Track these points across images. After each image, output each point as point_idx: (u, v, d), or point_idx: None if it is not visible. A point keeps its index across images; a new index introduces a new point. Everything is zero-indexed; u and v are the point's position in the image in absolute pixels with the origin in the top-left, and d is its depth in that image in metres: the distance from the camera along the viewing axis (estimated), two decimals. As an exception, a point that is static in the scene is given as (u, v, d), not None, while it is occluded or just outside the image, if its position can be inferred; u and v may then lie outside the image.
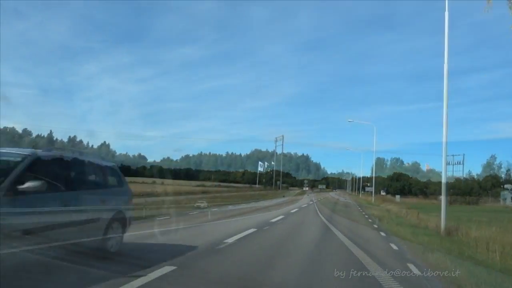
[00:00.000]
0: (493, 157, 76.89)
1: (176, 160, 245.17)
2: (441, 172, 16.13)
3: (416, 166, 79.44)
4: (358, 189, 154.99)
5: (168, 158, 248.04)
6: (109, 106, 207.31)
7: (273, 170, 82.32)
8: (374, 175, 48.08)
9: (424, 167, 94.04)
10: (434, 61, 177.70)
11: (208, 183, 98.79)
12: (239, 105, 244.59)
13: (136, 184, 44.93)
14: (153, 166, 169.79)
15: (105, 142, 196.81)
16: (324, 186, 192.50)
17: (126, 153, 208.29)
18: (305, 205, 33.68)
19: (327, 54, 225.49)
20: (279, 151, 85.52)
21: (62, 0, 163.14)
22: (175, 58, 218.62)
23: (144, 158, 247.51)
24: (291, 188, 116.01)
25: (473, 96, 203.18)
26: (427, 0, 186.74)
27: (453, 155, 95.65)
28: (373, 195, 42.78)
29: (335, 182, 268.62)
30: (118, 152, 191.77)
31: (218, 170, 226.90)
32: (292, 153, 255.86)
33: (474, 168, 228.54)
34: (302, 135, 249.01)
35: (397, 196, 55.01)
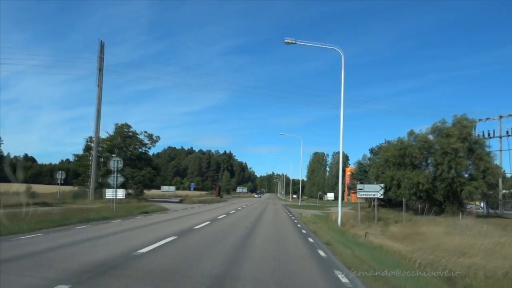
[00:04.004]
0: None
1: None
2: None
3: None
4: (293, 192, 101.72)
5: (68, 160, 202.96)
6: (27, 109, 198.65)
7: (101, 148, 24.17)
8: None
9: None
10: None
11: None
12: (169, 109, 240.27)
13: None
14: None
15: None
16: (245, 189, 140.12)
17: (8, 153, 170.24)
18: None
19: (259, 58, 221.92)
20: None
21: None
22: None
23: (32, 159, 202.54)
24: (166, 192, 60.10)
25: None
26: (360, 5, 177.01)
27: (486, 119, 45.15)
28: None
29: (263, 185, 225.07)
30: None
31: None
32: (212, 151, 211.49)
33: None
34: (234, 139, 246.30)
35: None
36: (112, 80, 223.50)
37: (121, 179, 19.58)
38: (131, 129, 40.01)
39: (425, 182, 28.66)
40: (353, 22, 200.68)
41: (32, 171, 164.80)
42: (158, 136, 41.53)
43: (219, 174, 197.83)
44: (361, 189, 18.34)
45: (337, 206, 48.93)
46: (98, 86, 30.58)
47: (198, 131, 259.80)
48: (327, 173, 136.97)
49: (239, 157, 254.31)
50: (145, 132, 40.58)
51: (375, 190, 18.30)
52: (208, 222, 16.01)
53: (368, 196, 18.67)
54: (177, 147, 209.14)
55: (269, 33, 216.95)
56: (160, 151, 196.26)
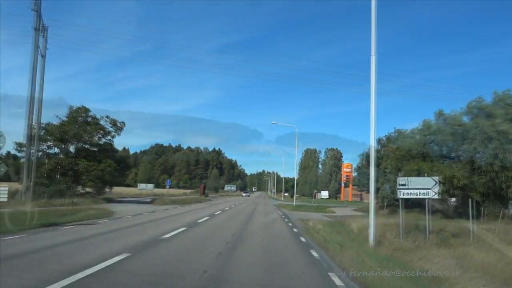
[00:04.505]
0: None
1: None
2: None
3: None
4: (285, 190, 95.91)
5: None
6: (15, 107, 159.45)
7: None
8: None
9: None
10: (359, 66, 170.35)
11: None
12: (159, 106, 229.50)
13: None
14: None
15: None
16: (233, 187, 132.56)
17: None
18: None
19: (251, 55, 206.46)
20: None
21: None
22: (90, 58, 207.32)
23: (14, 157, 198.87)
24: (143, 190, 52.91)
25: None
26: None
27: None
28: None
29: (254, 183, 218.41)
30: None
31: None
32: (201, 148, 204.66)
33: None
34: (224, 137, 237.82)
35: None
36: (103, 78, 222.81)
37: (2, 169, 12.25)
38: (90, 114, 32.63)
39: (461, 177, 22.00)
40: (349, 22, 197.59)
41: (13, 168, 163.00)
42: (123, 122, 34.28)
43: (207, 172, 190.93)
44: (404, 186, 11.47)
45: (337, 207, 41.37)
46: (34, 51, 23.21)
47: (188, 129, 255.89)
48: (320, 170, 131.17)
49: (229, 155, 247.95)
50: (107, 117, 33.22)
51: (425, 187, 11.47)
52: (125, 255, 7.76)
53: (416, 196, 11.81)
54: (164, 144, 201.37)
55: (262, 31, 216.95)
56: (147, 148, 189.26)
